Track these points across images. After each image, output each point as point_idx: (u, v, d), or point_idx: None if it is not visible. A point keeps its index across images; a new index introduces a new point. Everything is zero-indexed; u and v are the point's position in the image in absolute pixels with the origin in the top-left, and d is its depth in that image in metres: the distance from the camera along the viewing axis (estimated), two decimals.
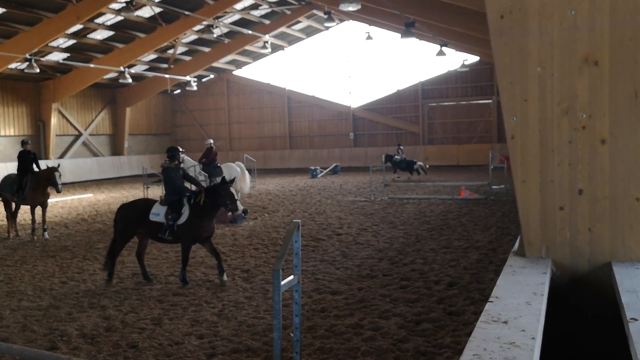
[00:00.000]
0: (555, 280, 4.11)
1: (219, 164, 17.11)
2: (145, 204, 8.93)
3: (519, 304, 3.06)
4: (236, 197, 8.50)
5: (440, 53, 25.27)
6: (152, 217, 8.55)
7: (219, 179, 15.66)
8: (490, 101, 31.27)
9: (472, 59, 31.38)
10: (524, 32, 4.33)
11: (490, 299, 3.11)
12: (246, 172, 17.78)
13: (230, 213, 9.10)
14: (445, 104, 33.11)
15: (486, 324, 2.70)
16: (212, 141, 18.06)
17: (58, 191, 12.57)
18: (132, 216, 8.73)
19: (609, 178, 4.23)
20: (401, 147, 26.33)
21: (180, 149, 9.35)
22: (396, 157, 25.06)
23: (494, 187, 17.56)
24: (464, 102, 32.74)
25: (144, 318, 6.96)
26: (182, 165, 9.17)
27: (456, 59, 31.05)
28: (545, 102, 4.35)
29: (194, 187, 9.09)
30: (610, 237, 4.35)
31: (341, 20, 31.97)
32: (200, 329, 6.54)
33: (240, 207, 8.53)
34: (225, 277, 8.36)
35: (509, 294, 3.24)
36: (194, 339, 6.22)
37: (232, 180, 8.76)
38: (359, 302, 7.27)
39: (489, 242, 10.69)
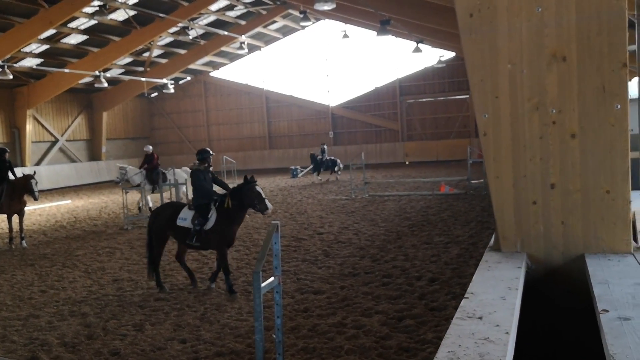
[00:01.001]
0: (530, 274, 4.18)
1: (163, 170, 16.38)
2: (173, 209, 8.58)
3: (493, 299, 3.12)
4: (263, 196, 8.10)
5: (417, 50, 25.45)
6: (179, 222, 8.22)
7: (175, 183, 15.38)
8: (467, 96, 31.57)
9: (448, 54, 31.64)
10: (493, 29, 4.40)
11: (465, 295, 3.16)
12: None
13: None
14: (423, 100, 33.36)
15: (461, 320, 2.74)
16: (151, 147, 17.10)
17: (35, 199, 12.40)
18: (162, 221, 8.40)
19: (579, 171, 4.32)
20: (325, 146, 25.88)
21: (211, 152, 8.76)
22: (319, 156, 24.58)
23: (472, 181, 17.76)
24: (441, 98, 33.01)
25: (126, 324, 6.91)
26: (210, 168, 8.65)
27: (432, 55, 31.30)
28: (516, 98, 4.42)
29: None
30: (583, 230, 4.43)
31: (317, 19, 31.99)
32: (182, 333, 6.52)
33: (270, 205, 8.13)
34: (213, 285, 8.27)
35: (484, 290, 3.29)
36: (177, 344, 6.20)
37: (252, 178, 8.20)
38: (342, 300, 7.31)
39: (469, 236, 10.81)
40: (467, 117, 32.01)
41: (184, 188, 14.94)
